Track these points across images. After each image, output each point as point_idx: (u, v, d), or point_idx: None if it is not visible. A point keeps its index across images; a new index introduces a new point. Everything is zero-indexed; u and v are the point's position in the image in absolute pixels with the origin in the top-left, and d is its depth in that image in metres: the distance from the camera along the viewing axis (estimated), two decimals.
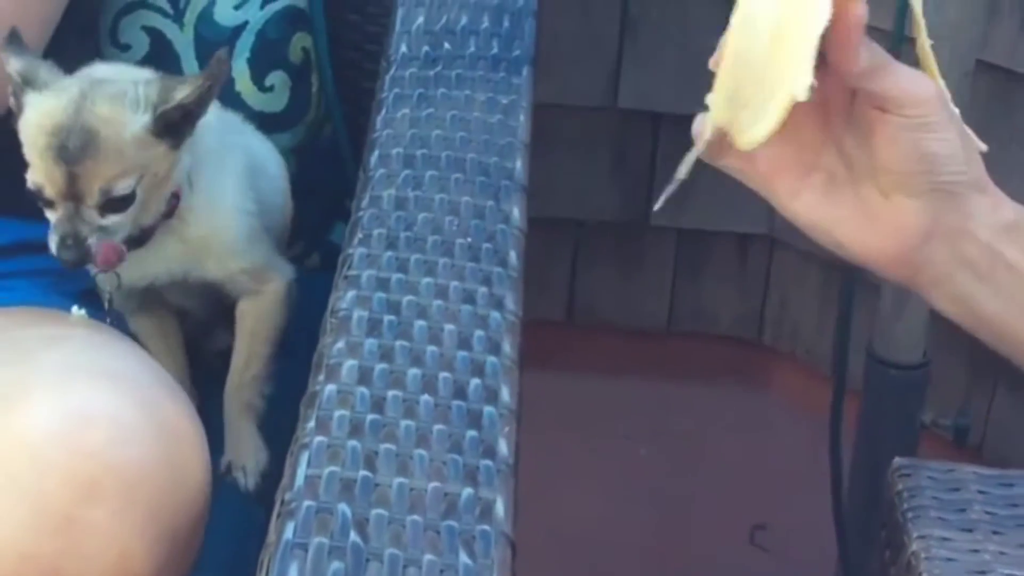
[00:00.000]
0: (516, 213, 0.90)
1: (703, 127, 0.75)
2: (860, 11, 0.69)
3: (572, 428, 1.66)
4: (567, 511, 1.57)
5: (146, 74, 0.93)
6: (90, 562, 0.69)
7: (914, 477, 0.71)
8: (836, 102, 0.74)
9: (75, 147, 0.84)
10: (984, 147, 0.76)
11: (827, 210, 0.75)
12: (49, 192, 0.85)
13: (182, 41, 1.15)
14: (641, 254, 1.77)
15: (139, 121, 0.86)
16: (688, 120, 1.69)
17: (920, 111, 0.72)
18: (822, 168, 0.75)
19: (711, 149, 0.75)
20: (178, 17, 1.16)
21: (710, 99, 0.74)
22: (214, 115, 0.94)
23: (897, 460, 0.72)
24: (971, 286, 0.77)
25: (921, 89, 0.72)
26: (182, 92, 0.87)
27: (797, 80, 0.68)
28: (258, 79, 1.15)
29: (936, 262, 0.76)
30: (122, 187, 0.85)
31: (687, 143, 1.82)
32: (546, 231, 1.75)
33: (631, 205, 1.76)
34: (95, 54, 1.08)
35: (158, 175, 0.87)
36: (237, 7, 1.16)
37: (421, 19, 1.05)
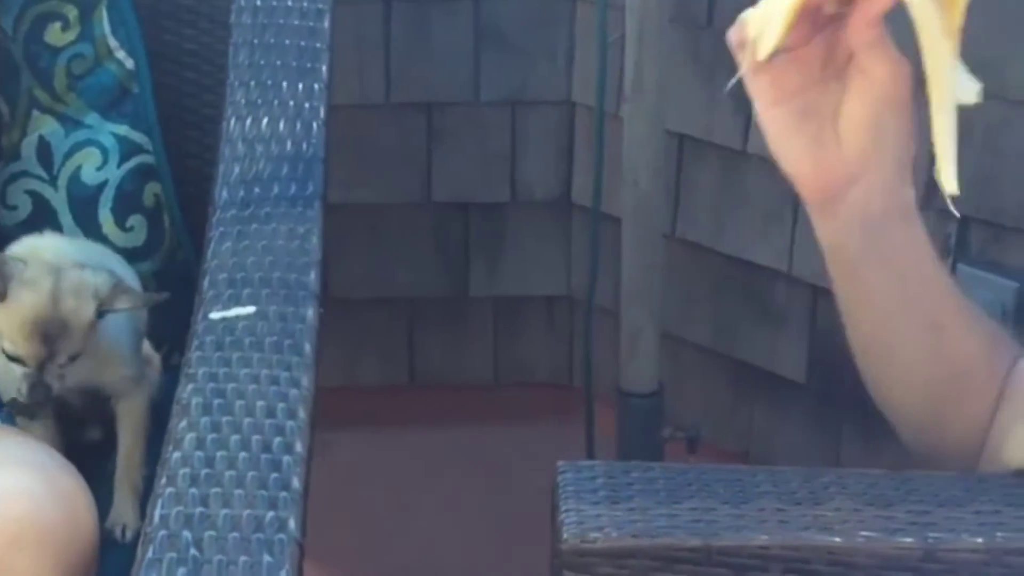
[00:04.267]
0: (310, 314, 1.19)
1: (739, 36, 0.88)
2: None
3: (419, 472, 1.94)
4: (416, 544, 1.84)
5: (79, 247, 1.27)
6: None
7: (570, 472, 1.00)
8: (837, 56, 0.89)
9: (53, 333, 1.15)
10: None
11: (791, 129, 0.90)
12: (26, 359, 1.14)
13: (57, 199, 1.41)
14: (466, 321, 2.08)
15: (91, 309, 1.17)
16: (489, 206, 2.07)
17: (888, 88, 0.88)
18: (805, 97, 0.89)
19: (743, 56, 0.88)
20: (53, 180, 1.41)
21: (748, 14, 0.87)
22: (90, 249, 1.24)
23: (560, 463, 1.01)
24: (865, 247, 0.93)
25: (898, 71, 0.87)
26: (122, 304, 1.19)
27: None
28: (120, 222, 1.43)
29: (849, 207, 0.91)
30: (79, 350, 1.16)
31: (493, 225, 2.16)
32: (385, 309, 2.05)
33: (453, 281, 2.07)
34: None
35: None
36: (99, 168, 1.42)
37: (237, 170, 1.32)
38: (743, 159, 1.88)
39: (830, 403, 1.76)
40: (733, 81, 0.90)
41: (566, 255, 2.05)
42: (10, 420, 1.22)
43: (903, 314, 0.97)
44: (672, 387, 1.83)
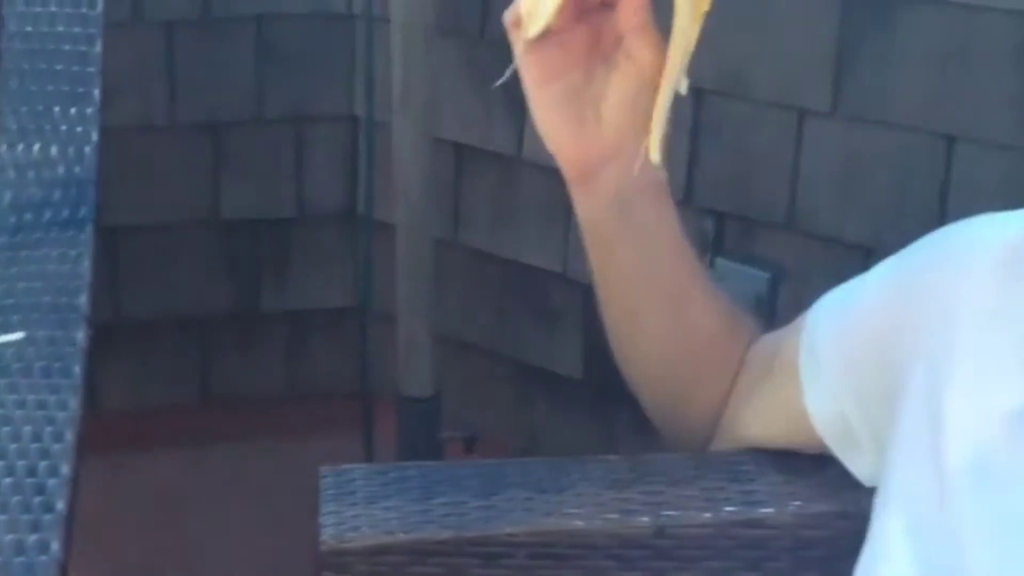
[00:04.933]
0: (81, 337, 1.22)
1: (514, 15, 0.95)
2: None
3: (212, 490, 1.97)
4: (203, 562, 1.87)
5: None
6: None
7: (331, 477, 1.05)
8: (604, 40, 0.95)
9: None
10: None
11: (555, 108, 0.97)
12: None
13: None
14: (258, 336, 2.11)
15: None
16: (277, 222, 2.09)
17: (650, 72, 0.95)
18: (570, 78, 0.96)
19: (517, 36, 0.95)
20: None
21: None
22: None
23: (322, 469, 1.06)
24: (620, 222, 1.01)
25: (661, 57, 0.94)
26: None
27: None
28: None
29: (605, 183, 0.99)
30: None
31: (282, 240, 2.18)
32: (177, 328, 2.07)
33: (244, 297, 2.10)
34: None
35: None
36: None
37: (9, 197, 1.34)
38: (519, 165, 1.95)
39: (606, 397, 1.84)
40: (508, 72, 0.95)
41: (354, 267, 2.10)
42: None
43: (649, 285, 1.04)
44: (457, 390, 1.90)
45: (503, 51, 1.95)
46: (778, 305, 1.71)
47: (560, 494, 1.04)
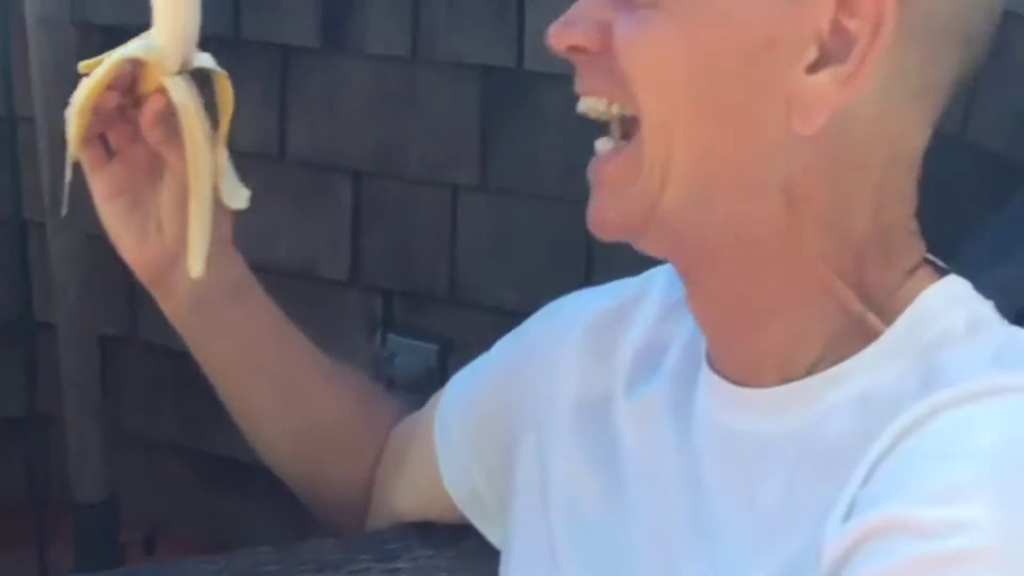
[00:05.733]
0: None
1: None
2: (155, 106, 0.97)
3: None
4: None
5: None
6: None
7: None
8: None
9: None
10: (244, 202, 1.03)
11: (121, 220, 1.02)
12: None
13: None
14: None
15: None
16: None
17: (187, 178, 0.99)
18: (134, 193, 1.01)
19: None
20: None
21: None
22: None
23: None
24: (202, 320, 1.06)
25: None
26: None
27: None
28: None
29: (177, 285, 1.03)
30: None
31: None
32: None
33: None
34: None
35: None
36: None
37: None
38: None
39: None
40: (68, 177, 1.00)
41: (31, 374, 2.05)
42: None
43: (253, 378, 1.09)
44: (144, 486, 1.87)
45: None
46: (449, 375, 1.75)
47: None
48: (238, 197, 1.03)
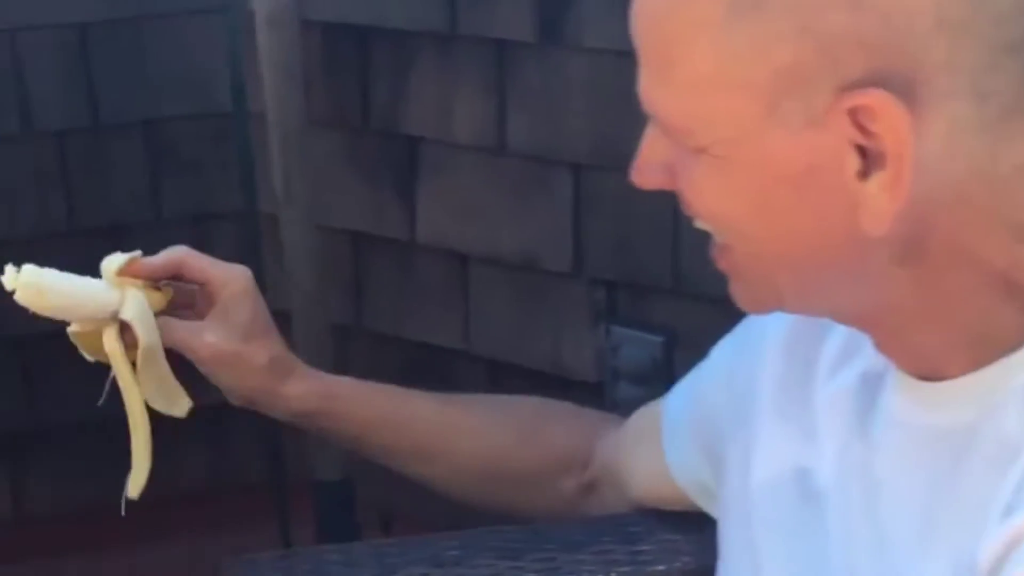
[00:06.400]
0: None
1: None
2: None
3: None
4: None
5: None
6: None
7: (236, 569, 1.09)
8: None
9: None
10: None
11: (215, 347, 1.14)
12: None
13: None
14: (176, 432, 2.13)
15: None
16: None
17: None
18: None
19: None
20: None
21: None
22: None
23: (225, 562, 1.11)
24: (313, 427, 1.20)
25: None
26: None
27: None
28: None
29: (293, 398, 1.16)
30: None
31: None
32: (96, 430, 2.08)
33: None
34: None
35: None
36: None
37: None
38: (414, 249, 2.01)
39: None
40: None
41: None
42: None
43: (391, 454, 1.21)
44: (377, 469, 1.93)
45: (386, 140, 2.03)
46: (675, 366, 1.77)
47: (457, 567, 1.08)
48: (181, 406, 1.16)
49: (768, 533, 0.91)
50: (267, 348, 1.15)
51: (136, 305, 1.10)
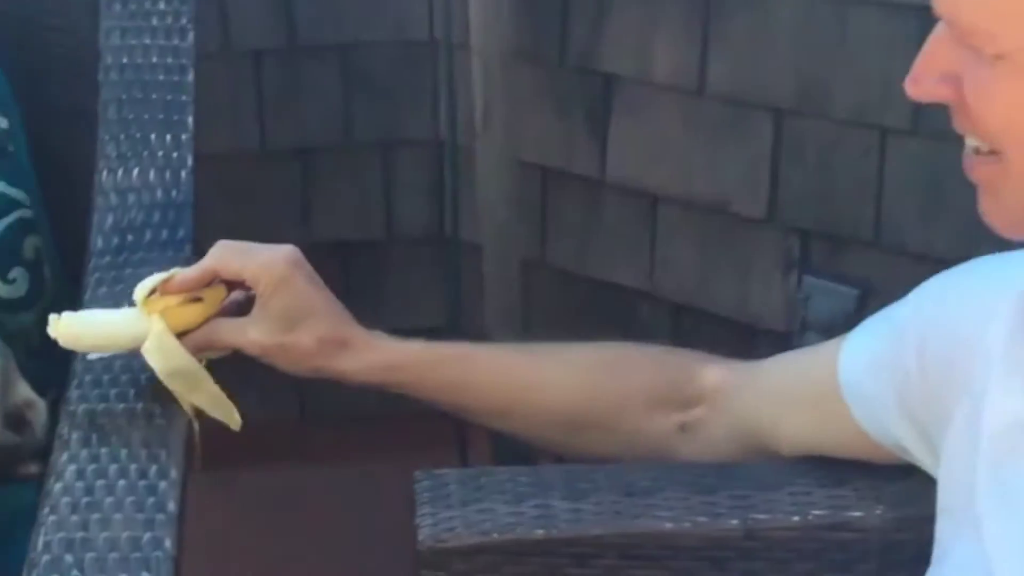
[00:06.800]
0: None
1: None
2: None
3: (310, 504, 2.01)
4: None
5: None
6: None
7: (427, 480, 1.09)
8: None
9: None
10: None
11: (259, 342, 1.18)
12: None
13: None
14: None
15: None
16: (367, 244, 2.11)
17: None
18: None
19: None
20: None
21: None
22: None
23: (417, 472, 1.11)
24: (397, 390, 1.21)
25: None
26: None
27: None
28: (2, 274, 1.51)
29: (352, 373, 1.18)
30: None
31: (372, 262, 2.23)
32: None
33: None
34: None
35: None
36: None
37: (111, 219, 1.41)
38: (602, 187, 2.00)
39: None
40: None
41: (443, 287, 2.15)
42: None
43: (474, 416, 1.21)
44: None
45: (581, 76, 2.01)
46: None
47: (648, 497, 1.08)
48: (232, 420, 1.19)
49: (994, 488, 0.88)
50: (313, 331, 1.17)
51: (152, 337, 1.15)
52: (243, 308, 1.20)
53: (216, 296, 1.22)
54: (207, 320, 1.20)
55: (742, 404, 1.12)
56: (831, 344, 1.08)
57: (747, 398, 1.13)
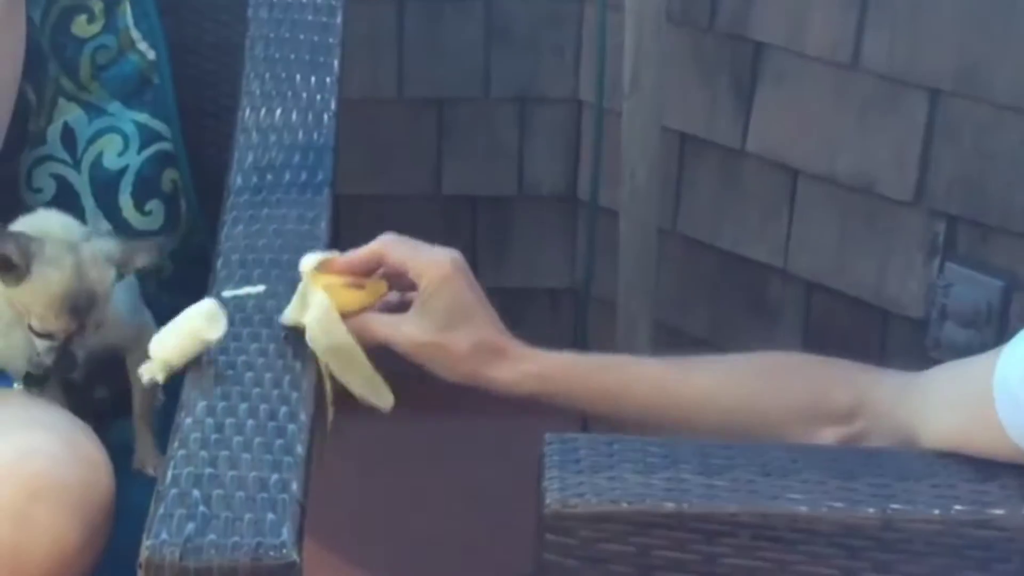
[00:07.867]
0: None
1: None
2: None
3: (427, 455, 2.02)
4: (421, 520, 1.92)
5: (82, 228, 1.29)
6: (36, 541, 1.06)
7: (556, 444, 1.07)
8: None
9: (83, 305, 1.19)
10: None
11: (414, 339, 1.18)
12: (57, 334, 1.19)
13: (80, 183, 1.51)
14: None
15: (111, 276, 1.21)
16: (497, 199, 2.10)
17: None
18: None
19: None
20: (76, 165, 1.51)
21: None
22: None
23: (547, 435, 1.09)
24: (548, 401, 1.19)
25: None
26: (138, 262, 1.25)
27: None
28: (140, 206, 1.53)
29: (503, 383, 1.17)
30: (103, 318, 1.22)
31: (501, 218, 2.23)
32: None
33: None
34: (14, 197, 1.46)
35: None
36: (120, 154, 1.52)
37: (251, 158, 1.41)
38: (742, 158, 1.96)
39: None
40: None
41: (571, 249, 2.13)
42: (8, 384, 1.29)
43: (626, 427, 1.19)
44: None
45: (730, 43, 1.98)
46: (1010, 315, 1.69)
47: (785, 478, 1.05)
48: (382, 399, 1.20)
49: None
50: (470, 335, 1.15)
51: (315, 310, 1.15)
52: (396, 311, 1.19)
53: (377, 288, 1.21)
54: (363, 310, 1.19)
55: (902, 415, 1.10)
56: (994, 352, 1.05)
57: (906, 410, 1.11)
